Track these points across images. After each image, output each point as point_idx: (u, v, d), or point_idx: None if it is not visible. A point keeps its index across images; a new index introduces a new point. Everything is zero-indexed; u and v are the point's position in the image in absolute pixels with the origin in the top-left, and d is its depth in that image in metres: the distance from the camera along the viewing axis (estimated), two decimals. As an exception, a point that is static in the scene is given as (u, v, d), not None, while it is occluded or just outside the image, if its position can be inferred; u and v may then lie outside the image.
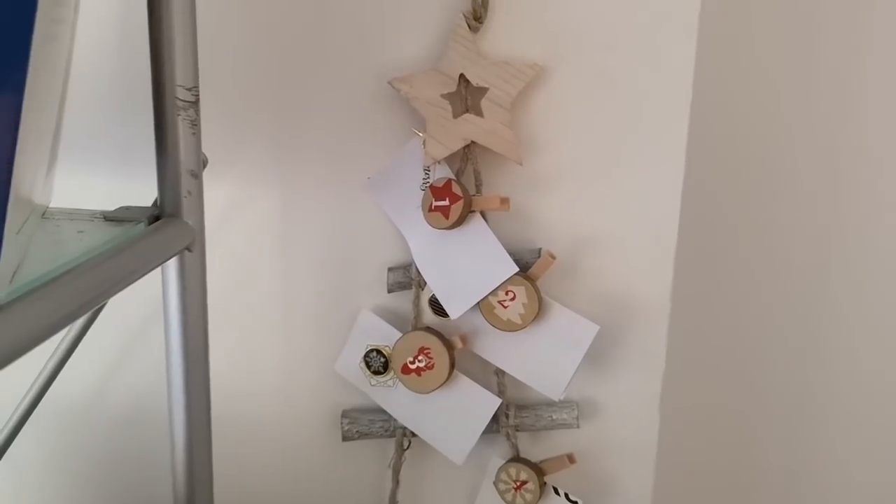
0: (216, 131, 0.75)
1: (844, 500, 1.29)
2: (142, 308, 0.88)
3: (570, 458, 0.84)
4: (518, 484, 0.84)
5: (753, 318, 1.24)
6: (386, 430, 0.87)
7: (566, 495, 0.85)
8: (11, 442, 0.83)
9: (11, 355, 0.42)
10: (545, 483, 0.84)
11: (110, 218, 0.63)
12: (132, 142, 0.83)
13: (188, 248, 0.65)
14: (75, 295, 0.49)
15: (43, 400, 0.82)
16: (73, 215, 0.64)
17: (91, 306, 0.51)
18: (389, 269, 0.85)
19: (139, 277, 0.57)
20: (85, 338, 0.80)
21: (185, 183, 0.63)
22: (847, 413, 1.27)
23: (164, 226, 0.63)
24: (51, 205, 0.66)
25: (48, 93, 0.47)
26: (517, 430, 0.85)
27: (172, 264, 0.65)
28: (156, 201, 0.65)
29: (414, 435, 0.86)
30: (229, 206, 0.85)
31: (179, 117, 0.61)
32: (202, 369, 0.71)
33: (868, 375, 1.25)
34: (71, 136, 0.69)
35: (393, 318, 0.85)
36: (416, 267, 0.82)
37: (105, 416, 0.92)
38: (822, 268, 1.22)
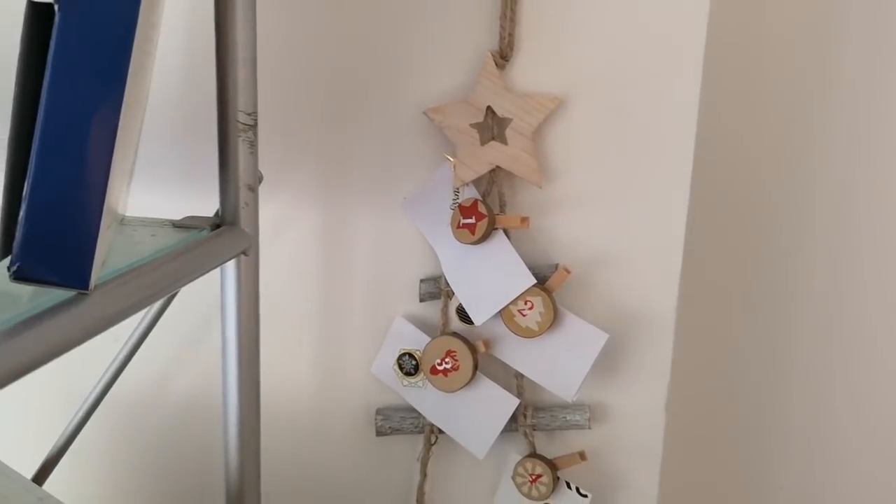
0: (271, 154, 0.85)
1: (856, 489, 1.34)
2: (199, 313, 0.97)
3: (582, 456, 0.92)
4: (533, 477, 0.92)
5: (754, 329, 1.30)
6: (415, 427, 0.96)
7: (577, 489, 0.92)
8: (79, 431, 0.92)
9: (100, 327, 0.52)
10: (558, 478, 0.92)
11: (178, 225, 0.73)
12: (194, 161, 0.93)
13: (244, 253, 0.74)
14: (150, 283, 0.59)
15: (108, 393, 0.92)
16: (145, 222, 0.74)
17: (163, 294, 0.61)
18: (421, 281, 0.94)
19: (202, 274, 0.67)
20: (147, 339, 0.90)
21: (244, 195, 0.73)
22: (850, 411, 1.32)
23: (225, 232, 0.72)
24: (126, 214, 0.76)
25: (136, 112, 0.57)
26: (534, 430, 0.94)
27: (231, 267, 0.75)
28: (217, 212, 0.75)
29: (441, 431, 0.95)
30: (280, 223, 0.95)
31: (240, 138, 0.71)
32: (254, 364, 0.80)
33: (871, 377, 1.30)
34: (142, 154, 0.79)
35: (424, 325, 0.94)
36: (445, 278, 0.91)
37: (164, 410, 1.01)
38: (818, 277, 1.28)
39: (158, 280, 0.60)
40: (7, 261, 0.49)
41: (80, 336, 0.50)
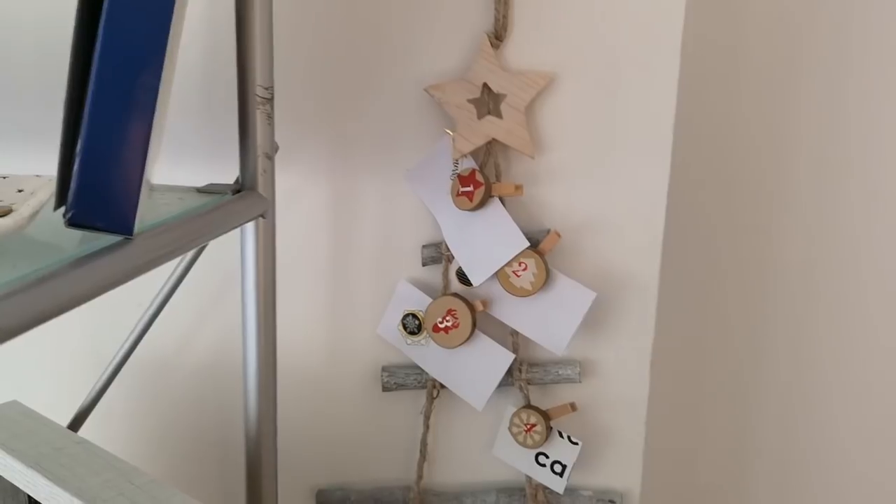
0: (285, 130, 0.92)
1: (835, 446, 1.40)
2: (218, 278, 1.04)
3: (573, 406, 0.99)
4: (528, 427, 0.99)
5: (737, 289, 1.36)
6: (419, 382, 1.03)
7: (569, 438, 1.00)
8: (106, 388, 0.99)
9: (141, 269, 0.60)
10: (551, 427, 1.00)
11: (202, 190, 0.80)
12: (215, 137, 1.00)
13: (263, 216, 0.82)
14: (182, 234, 0.66)
15: (134, 355, 0.99)
16: (172, 189, 0.81)
17: (193, 245, 0.69)
18: (423, 246, 1.01)
19: (226, 231, 0.75)
20: (169, 305, 0.97)
21: (262, 163, 0.80)
22: (833, 369, 1.38)
23: (245, 196, 0.80)
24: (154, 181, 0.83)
25: (169, 82, 0.64)
26: (528, 384, 1.01)
27: (250, 228, 0.82)
28: (237, 179, 0.82)
29: (442, 386, 1.02)
30: (292, 195, 1.02)
31: (258, 110, 0.78)
32: (271, 320, 0.87)
33: (853, 337, 1.37)
34: (167, 130, 0.86)
35: (426, 288, 1.01)
36: (446, 244, 0.98)
37: (186, 369, 1.08)
38: (800, 238, 1.34)
39: (189, 232, 0.67)
40: (62, 210, 0.57)
41: (125, 276, 0.57)
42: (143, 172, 0.58)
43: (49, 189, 0.63)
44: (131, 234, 0.58)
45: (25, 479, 0.79)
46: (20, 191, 0.64)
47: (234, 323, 0.88)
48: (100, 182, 0.56)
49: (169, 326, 1.05)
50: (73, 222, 0.56)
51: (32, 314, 0.47)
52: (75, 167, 0.56)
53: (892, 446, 1.40)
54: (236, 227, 0.77)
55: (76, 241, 0.58)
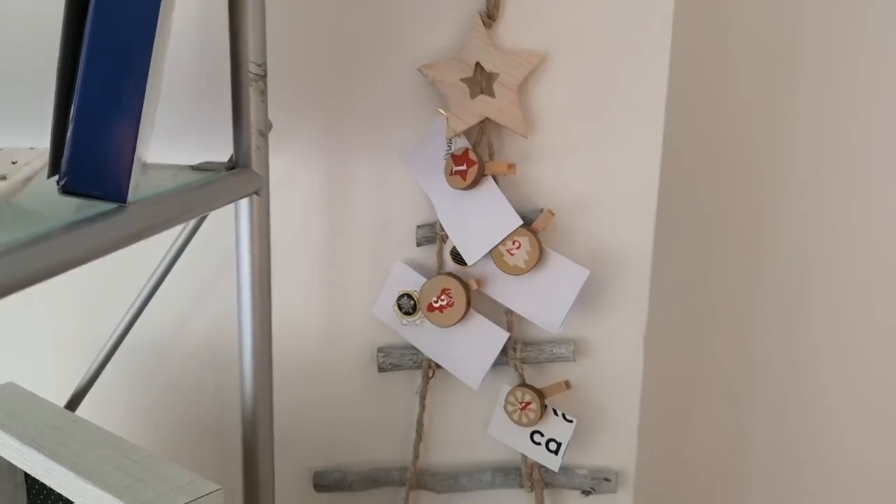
0: (279, 110, 0.92)
1: (831, 420, 1.41)
2: (215, 260, 1.04)
3: (567, 384, 1.00)
4: (523, 405, 1.00)
5: (729, 269, 1.37)
6: (414, 363, 1.04)
7: (563, 415, 1.00)
8: (102, 370, 0.99)
9: (135, 237, 0.60)
10: (546, 406, 1.00)
11: (196, 167, 0.81)
12: (208, 115, 1.00)
13: (257, 193, 0.82)
14: (177, 206, 0.67)
15: (130, 336, 0.99)
16: (166, 166, 0.82)
17: (187, 217, 0.69)
18: (418, 227, 1.01)
19: (220, 206, 0.75)
20: (165, 287, 0.97)
21: (255, 140, 0.81)
22: (825, 347, 1.38)
23: (239, 172, 0.80)
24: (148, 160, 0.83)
25: (162, 53, 0.65)
26: (523, 363, 1.02)
27: (244, 206, 0.83)
28: (231, 157, 0.83)
29: (437, 366, 1.03)
30: (286, 175, 1.02)
31: (251, 87, 0.79)
32: (266, 299, 0.87)
33: (847, 314, 1.37)
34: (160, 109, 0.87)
35: (421, 268, 1.02)
36: (440, 223, 0.99)
37: (183, 351, 1.08)
38: (792, 215, 1.35)
39: (183, 204, 0.68)
40: (56, 178, 0.57)
41: (118, 242, 0.58)
42: (135, 140, 0.58)
43: (44, 160, 0.63)
44: (125, 202, 0.59)
45: (21, 456, 0.79)
46: (14, 162, 0.65)
47: (230, 305, 0.88)
48: (93, 149, 0.57)
49: (165, 309, 1.06)
50: (66, 189, 0.57)
51: (26, 274, 0.47)
52: (68, 134, 0.56)
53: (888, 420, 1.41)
54: (230, 202, 0.78)
55: (71, 209, 0.59)
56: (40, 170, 0.61)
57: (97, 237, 0.55)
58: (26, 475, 0.89)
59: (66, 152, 0.56)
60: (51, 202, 0.60)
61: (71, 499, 0.74)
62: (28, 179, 0.57)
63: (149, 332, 1.07)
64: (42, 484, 0.86)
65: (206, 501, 0.71)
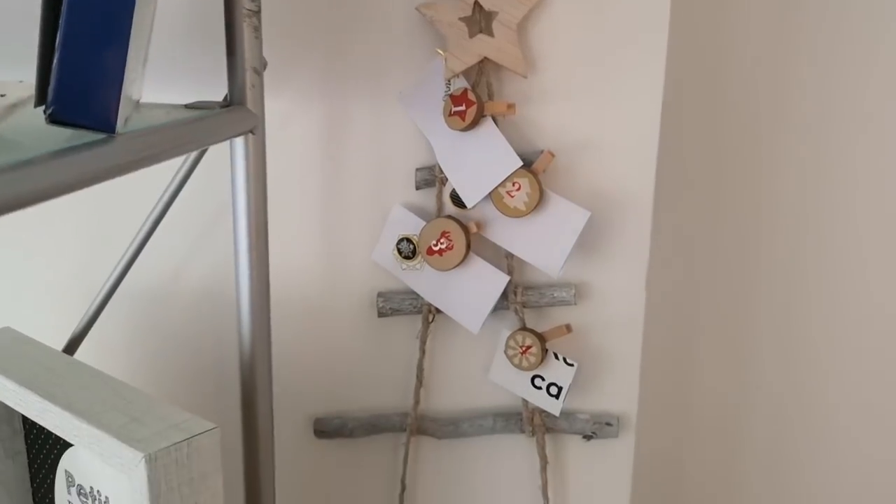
0: (276, 52, 0.91)
1: (832, 364, 1.41)
2: (212, 206, 1.04)
3: (568, 328, 0.99)
4: (524, 349, 0.99)
5: (730, 209, 1.36)
6: (414, 307, 1.03)
7: (564, 359, 1.00)
8: (99, 314, 0.99)
9: (125, 168, 0.59)
10: (547, 349, 1.00)
11: (190, 106, 0.79)
12: (202, 55, 0.98)
13: (252, 132, 0.81)
14: (169, 139, 0.66)
15: (128, 284, 0.98)
16: (159, 106, 0.80)
17: (179, 152, 0.68)
18: (417, 170, 1.00)
19: (213, 143, 0.74)
20: (161, 235, 0.96)
21: (250, 78, 0.79)
22: (823, 288, 1.38)
23: (233, 110, 0.79)
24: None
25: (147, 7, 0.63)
26: (524, 307, 1.01)
27: (240, 146, 0.81)
28: (226, 96, 0.81)
29: (437, 311, 1.02)
30: (283, 118, 1.01)
31: (245, 23, 0.77)
32: (263, 245, 0.86)
33: (846, 257, 1.37)
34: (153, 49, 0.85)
35: (420, 212, 1.01)
36: (439, 166, 0.98)
37: (180, 297, 1.07)
38: (795, 157, 1.34)
39: (176, 137, 0.67)
40: (44, 109, 0.56)
41: (107, 172, 0.57)
42: (123, 68, 0.57)
43: (31, 90, 0.62)
44: (113, 132, 0.57)
45: (17, 397, 0.79)
46: (2, 95, 0.63)
47: (228, 253, 0.87)
48: (79, 76, 0.55)
49: (163, 256, 1.05)
50: (54, 118, 0.56)
51: (13, 196, 0.46)
52: (54, 61, 0.55)
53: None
54: (225, 139, 0.76)
55: (62, 141, 0.58)
56: (28, 98, 0.60)
57: (85, 165, 0.54)
58: (24, 420, 0.89)
59: (52, 80, 0.55)
60: (40, 134, 0.58)
61: (66, 438, 0.74)
62: (15, 105, 0.55)
63: (146, 279, 1.06)
64: (40, 429, 0.86)
65: (203, 440, 0.70)
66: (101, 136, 0.58)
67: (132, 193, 1.00)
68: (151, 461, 0.66)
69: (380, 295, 1.03)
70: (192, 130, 0.70)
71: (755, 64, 1.30)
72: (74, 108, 0.56)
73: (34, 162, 0.49)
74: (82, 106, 0.56)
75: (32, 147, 0.54)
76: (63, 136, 0.57)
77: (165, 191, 0.91)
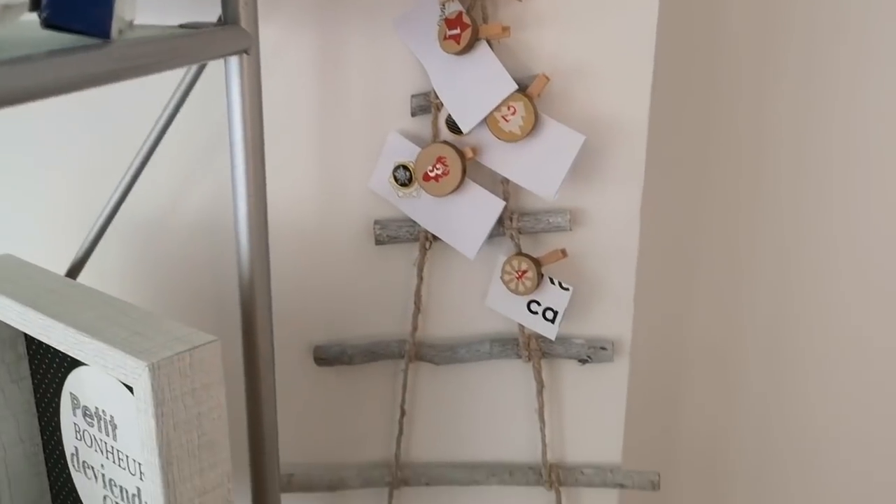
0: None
1: (833, 297, 1.43)
2: (206, 135, 1.04)
3: (563, 252, 1.00)
4: (519, 273, 1.00)
5: (727, 134, 1.36)
6: (411, 235, 1.04)
7: (560, 283, 1.01)
8: (99, 240, 1.00)
9: (119, 74, 0.60)
10: (542, 274, 1.01)
11: (184, 26, 0.80)
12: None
13: (246, 52, 0.81)
14: (163, 49, 0.66)
15: (128, 214, 0.99)
16: (154, 26, 0.80)
17: (173, 64, 0.68)
18: (412, 96, 1.00)
19: (207, 59, 0.74)
20: (162, 159, 0.97)
21: (243, -4, 0.79)
22: (826, 210, 1.39)
23: (227, 28, 0.79)
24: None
25: None
26: (519, 233, 1.02)
27: (234, 68, 0.81)
28: (219, 17, 0.81)
29: (435, 238, 1.03)
30: (277, 46, 1.00)
31: (239, -61, 0.77)
32: (260, 172, 0.86)
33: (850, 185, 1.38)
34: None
35: (416, 139, 1.01)
36: (435, 91, 0.98)
37: (178, 227, 1.08)
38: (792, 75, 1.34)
39: (170, 48, 0.67)
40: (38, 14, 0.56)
41: (100, 77, 0.57)
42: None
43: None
44: (108, 37, 0.58)
45: (20, 317, 0.80)
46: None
47: (225, 179, 0.87)
48: (73, -21, 0.56)
49: (162, 185, 1.06)
50: (48, 23, 0.56)
51: (8, 92, 0.47)
52: (48, -36, 0.55)
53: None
54: (218, 56, 0.77)
55: (56, 46, 0.58)
56: (21, 3, 0.60)
57: (80, 66, 0.55)
58: (28, 346, 0.90)
59: (46, -17, 0.55)
60: (35, 41, 0.59)
61: (70, 354, 0.75)
62: (6, 7, 0.56)
63: (145, 209, 1.07)
64: (44, 353, 0.87)
65: (205, 351, 0.71)
66: (95, 41, 0.58)
67: (129, 119, 1.01)
68: (154, 370, 0.68)
69: (377, 223, 1.04)
70: (186, 44, 0.70)
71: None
72: (69, 12, 0.56)
73: (30, 59, 0.50)
74: (77, 10, 0.56)
75: (26, 49, 0.55)
76: (58, 41, 0.58)
77: (162, 114, 0.92)
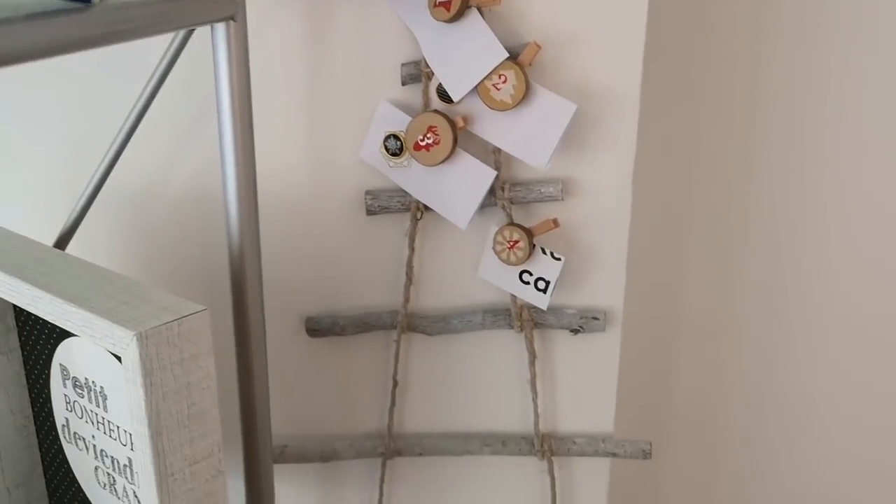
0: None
1: (818, 262, 1.43)
2: (195, 105, 1.03)
3: (555, 222, 0.99)
4: (511, 244, 1.00)
5: (720, 103, 1.35)
6: (402, 205, 1.03)
7: (551, 253, 1.00)
8: (87, 210, 0.99)
9: (100, 40, 0.59)
10: (534, 245, 1.00)
11: (169, -4, 0.79)
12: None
13: (233, 18, 0.80)
14: (146, 15, 0.65)
15: (115, 186, 0.98)
16: None
17: (155, 31, 0.67)
18: (402, 65, 0.99)
19: (193, 25, 0.73)
20: (149, 131, 0.96)
21: (229, -38, 0.78)
22: (818, 185, 1.39)
23: (213, -5, 0.78)
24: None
25: None
26: (511, 203, 1.01)
27: (221, 33, 0.80)
28: (206, -14, 0.80)
29: (426, 208, 1.02)
30: (265, 13, 0.99)
31: None
32: (249, 142, 0.85)
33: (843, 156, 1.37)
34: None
35: (407, 108, 1.00)
36: (425, 60, 0.97)
37: (166, 198, 1.08)
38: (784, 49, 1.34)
39: (154, 14, 0.66)
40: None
41: (82, 42, 0.57)
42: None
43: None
44: (89, 1, 0.57)
45: (7, 287, 0.79)
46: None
47: (214, 150, 0.86)
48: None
49: (150, 155, 1.06)
50: (28, -14, 0.55)
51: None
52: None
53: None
54: (204, 23, 0.76)
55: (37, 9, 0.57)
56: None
57: (61, 30, 0.54)
58: (17, 318, 0.90)
59: (25, -55, 0.54)
60: (15, 3, 0.58)
61: (57, 324, 0.75)
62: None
63: (133, 179, 1.06)
64: (32, 325, 0.87)
65: (193, 321, 0.71)
66: (77, 5, 0.57)
67: (118, 89, 1.00)
68: (143, 339, 0.67)
69: (368, 193, 1.04)
70: (169, 10, 0.69)
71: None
72: (49, -26, 0.55)
73: (10, 22, 0.49)
74: (57, -28, 0.55)
75: (6, 13, 0.54)
76: (39, 4, 0.57)
77: (148, 83, 0.91)
